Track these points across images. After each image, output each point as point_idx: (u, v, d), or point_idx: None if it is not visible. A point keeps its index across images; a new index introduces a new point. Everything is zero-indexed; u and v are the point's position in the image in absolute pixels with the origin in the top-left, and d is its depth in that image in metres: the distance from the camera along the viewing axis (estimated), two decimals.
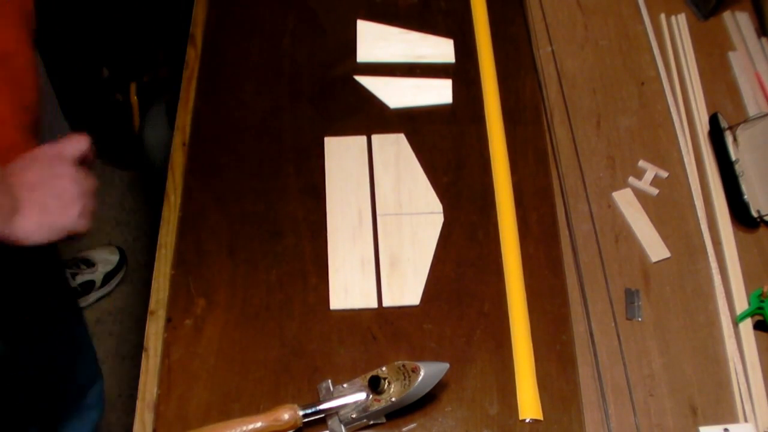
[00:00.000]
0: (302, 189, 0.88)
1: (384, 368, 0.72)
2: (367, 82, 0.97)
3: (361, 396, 0.71)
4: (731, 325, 0.82)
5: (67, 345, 1.12)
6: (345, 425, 0.71)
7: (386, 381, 0.70)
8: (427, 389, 0.70)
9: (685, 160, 0.93)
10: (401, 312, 0.80)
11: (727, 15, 1.06)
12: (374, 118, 0.94)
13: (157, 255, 0.83)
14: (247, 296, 0.81)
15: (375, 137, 0.92)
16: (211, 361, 0.77)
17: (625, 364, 0.79)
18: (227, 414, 0.73)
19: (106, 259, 1.65)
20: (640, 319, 0.82)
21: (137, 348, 1.56)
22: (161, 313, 0.79)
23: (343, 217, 0.86)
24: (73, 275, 1.59)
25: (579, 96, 0.98)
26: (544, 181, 0.90)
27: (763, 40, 1.04)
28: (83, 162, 0.70)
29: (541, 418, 0.74)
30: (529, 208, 0.87)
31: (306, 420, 0.70)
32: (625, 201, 0.89)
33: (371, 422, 0.72)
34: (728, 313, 0.82)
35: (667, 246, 0.86)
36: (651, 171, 0.92)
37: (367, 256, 0.83)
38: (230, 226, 0.85)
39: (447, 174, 0.90)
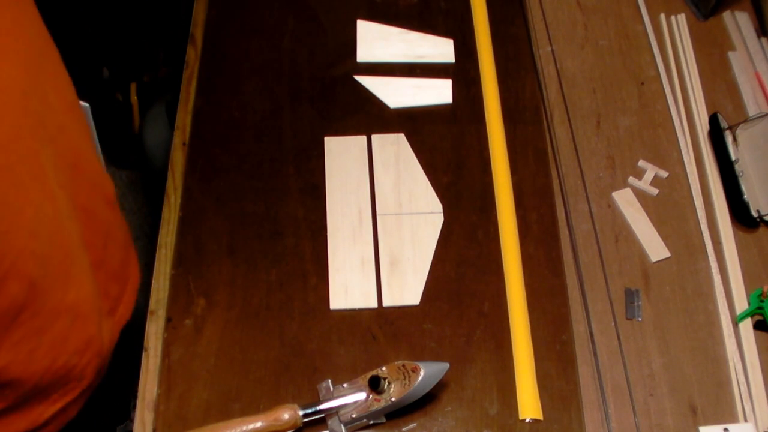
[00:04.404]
0: (302, 189, 0.88)
1: (384, 368, 0.72)
2: (367, 82, 0.97)
3: (361, 396, 0.71)
4: (731, 325, 0.82)
5: None
6: (345, 425, 0.71)
7: (386, 381, 0.70)
8: (427, 389, 0.70)
9: (685, 160, 0.93)
10: (401, 312, 0.80)
11: (727, 15, 1.06)
12: (374, 118, 0.94)
13: (157, 255, 0.83)
14: (247, 296, 0.81)
15: (375, 137, 0.92)
16: (211, 361, 0.77)
17: (625, 364, 0.79)
18: (227, 414, 0.73)
19: None
20: (640, 319, 0.82)
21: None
22: (161, 313, 0.79)
23: (343, 217, 0.86)
24: None
25: (579, 96, 0.98)
26: (544, 181, 0.90)
27: (763, 40, 1.04)
28: None
29: (541, 418, 0.74)
30: (529, 208, 0.87)
31: (306, 420, 0.70)
32: (625, 201, 0.89)
33: (371, 422, 0.72)
34: (728, 313, 0.82)
35: (667, 246, 0.86)
36: (651, 171, 0.92)
37: (367, 256, 0.83)
38: (230, 226, 0.85)
39: (447, 174, 0.90)
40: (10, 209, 0.56)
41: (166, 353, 0.77)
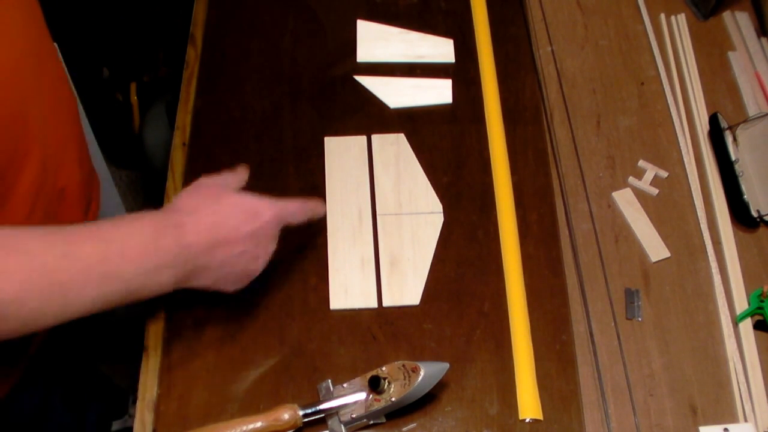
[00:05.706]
0: (302, 189, 0.88)
1: (384, 368, 0.72)
2: (367, 82, 0.97)
3: (361, 396, 0.71)
4: (731, 325, 0.82)
5: None
6: (345, 425, 0.71)
7: (386, 381, 0.70)
8: (427, 389, 0.70)
9: (685, 160, 0.93)
10: (401, 312, 0.80)
11: (727, 15, 1.06)
12: (374, 118, 0.94)
13: None
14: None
15: (375, 137, 0.92)
16: (211, 361, 0.77)
17: (625, 364, 0.79)
18: (227, 414, 0.73)
19: None
20: (640, 319, 0.82)
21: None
22: (161, 313, 0.79)
23: (343, 217, 0.86)
24: None
25: (579, 96, 0.98)
26: (544, 181, 0.90)
27: (763, 40, 1.04)
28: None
29: (541, 418, 0.74)
30: (529, 208, 0.87)
31: (306, 420, 0.70)
32: (625, 201, 0.89)
33: (371, 422, 0.72)
34: (728, 313, 0.82)
35: (667, 246, 0.86)
36: (651, 171, 0.92)
37: (367, 256, 0.83)
38: None
39: (447, 174, 0.90)
40: (29, 92, 0.64)
41: (166, 353, 0.77)
